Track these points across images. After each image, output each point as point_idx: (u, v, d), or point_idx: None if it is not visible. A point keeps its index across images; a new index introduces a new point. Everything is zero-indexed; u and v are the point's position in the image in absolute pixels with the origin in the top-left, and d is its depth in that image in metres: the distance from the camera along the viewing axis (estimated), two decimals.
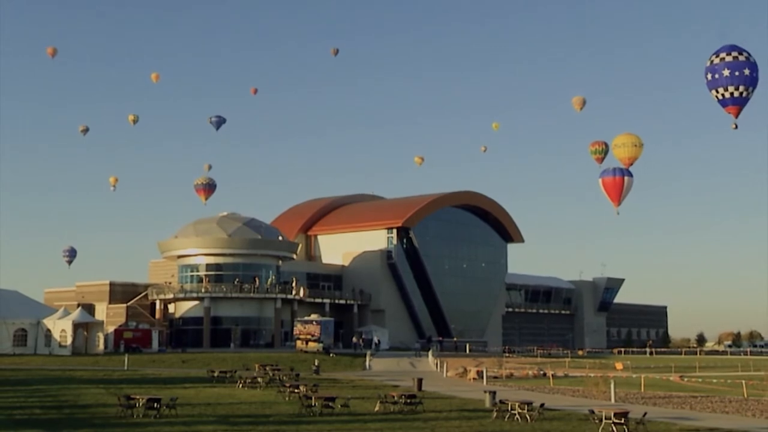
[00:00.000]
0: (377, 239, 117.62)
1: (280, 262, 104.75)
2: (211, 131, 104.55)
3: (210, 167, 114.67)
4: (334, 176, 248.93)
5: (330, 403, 36.45)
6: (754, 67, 51.29)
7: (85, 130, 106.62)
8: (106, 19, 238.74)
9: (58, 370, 61.45)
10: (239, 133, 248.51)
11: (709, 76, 51.73)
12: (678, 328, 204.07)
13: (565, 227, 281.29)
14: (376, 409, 38.07)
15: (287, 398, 42.45)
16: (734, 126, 52.26)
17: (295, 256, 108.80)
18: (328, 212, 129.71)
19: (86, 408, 37.65)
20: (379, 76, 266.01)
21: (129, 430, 30.89)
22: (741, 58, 51.12)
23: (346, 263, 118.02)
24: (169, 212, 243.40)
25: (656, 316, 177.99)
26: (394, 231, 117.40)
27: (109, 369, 63.68)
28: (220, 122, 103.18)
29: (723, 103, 51.69)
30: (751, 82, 51.09)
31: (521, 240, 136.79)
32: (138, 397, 35.36)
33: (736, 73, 50.75)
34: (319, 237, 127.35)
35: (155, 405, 34.32)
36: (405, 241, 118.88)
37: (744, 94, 51.07)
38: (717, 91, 51.37)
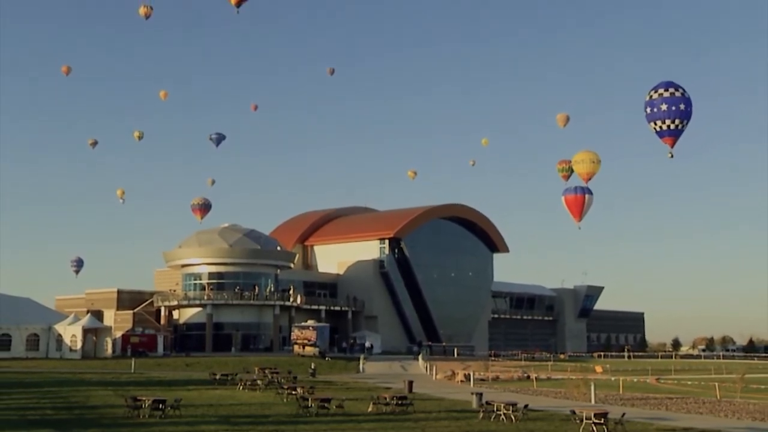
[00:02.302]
0: (370, 249, 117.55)
1: (279, 270, 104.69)
2: (214, 145, 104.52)
3: (213, 182, 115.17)
4: (330, 189, 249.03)
5: (326, 404, 36.41)
6: (688, 102, 52.97)
7: (94, 144, 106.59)
8: (116, 41, 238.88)
9: (69, 373, 61.27)
10: (240, 147, 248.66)
11: (649, 110, 53.22)
12: (654, 334, 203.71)
13: (547, 238, 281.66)
14: (369, 409, 38.03)
15: (285, 399, 42.38)
16: (670, 155, 53.54)
17: (292, 265, 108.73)
18: (324, 224, 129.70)
19: (95, 409, 37.55)
20: (373, 94, 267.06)
21: (135, 429, 30.81)
22: (677, 93, 52.77)
23: (341, 272, 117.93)
24: (173, 223, 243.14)
25: (634, 321, 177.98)
26: (387, 242, 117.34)
27: (117, 372, 63.56)
28: (220, 139, 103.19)
29: (660, 134, 53.19)
30: (686, 115, 52.71)
31: (506, 250, 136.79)
32: (144, 398, 35.26)
33: (673, 108, 52.38)
34: (315, 247, 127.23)
35: (160, 406, 34.23)
36: (396, 251, 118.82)
37: (679, 127, 52.47)
38: (655, 124, 52.85)
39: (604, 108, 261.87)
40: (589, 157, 70.22)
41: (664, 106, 52.28)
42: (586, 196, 70.86)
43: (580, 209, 70.66)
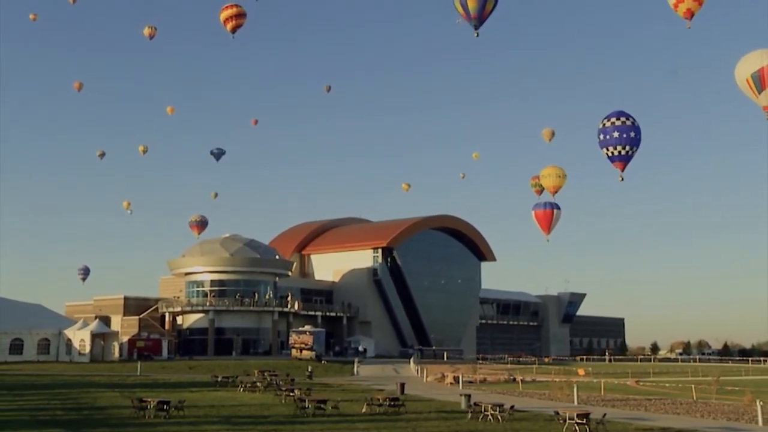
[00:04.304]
0: (364, 258, 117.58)
1: (277, 278, 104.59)
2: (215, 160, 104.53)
3: (216, 195, 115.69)
4: (326, 201, 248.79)
5: (322, 405, 36.42)
6: (638, 130, 54.25)
7: (102, 155, 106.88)
8: (124, 59, 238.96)
9: (78, 375, 61.15)
10: (241, 161, 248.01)
11: (601, 137, 54.46)
12: (634, 338, 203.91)
13: (532, 247, 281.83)
14: (363, 410, 38.01)
15: (283, 401, 42.33)
16: (621, 179, 54.46)
17: (290, 273, 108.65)
18: (321, 234, 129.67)
19: (103, 409, 37.48)
20: (369, 110, 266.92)
21: (141, 429, 30.77)
22: (627, 122, 54.13)
23: (337, 280, 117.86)
24: (177, 234, 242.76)
25: (614, 327, 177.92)
26: (380, 251, 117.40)
27: (124, 374, 63.44)
28: (220, 154, 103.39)
29: (611, 159, 54.18)
30: (636, 142, 54.06)
31: (493, 259, 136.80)
32: (149, 399, 35.23)
33: (624, 135, 53.60)
34: (312, 256, 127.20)
35: (165, 407, 34.20)
36: (389, 260, 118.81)
37: (630, 152, 53.56)
38: (607, 149, 53.88)
39: (590, 122, 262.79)
40: (555, 172, 71.37)
41: (615, 134, 53.44)
42: (554, 210, 72.09)
43: (548, 223, 71.85)
